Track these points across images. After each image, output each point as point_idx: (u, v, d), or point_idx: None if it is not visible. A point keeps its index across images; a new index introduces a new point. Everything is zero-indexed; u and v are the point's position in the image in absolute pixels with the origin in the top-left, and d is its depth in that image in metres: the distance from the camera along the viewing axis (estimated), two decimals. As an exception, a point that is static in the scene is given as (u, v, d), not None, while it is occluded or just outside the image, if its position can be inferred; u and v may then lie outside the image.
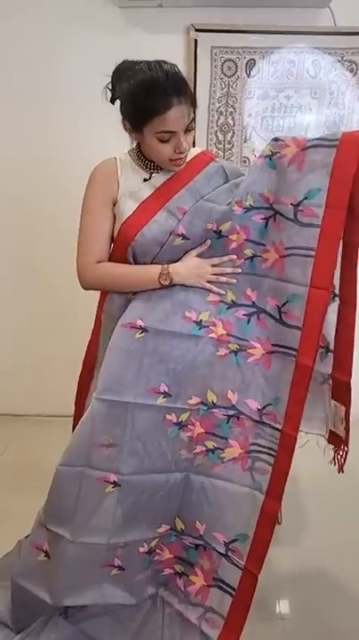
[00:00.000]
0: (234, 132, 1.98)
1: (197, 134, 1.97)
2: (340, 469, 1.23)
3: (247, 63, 1.90)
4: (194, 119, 1.12)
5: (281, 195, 1.11)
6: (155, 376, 1.18)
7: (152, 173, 1.20)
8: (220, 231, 1.17)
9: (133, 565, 1.25)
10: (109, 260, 1.22)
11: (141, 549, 1.24)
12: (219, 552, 1.21)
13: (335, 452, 1.23)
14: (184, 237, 1.17)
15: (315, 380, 1.17)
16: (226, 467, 1.18)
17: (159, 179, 1.19)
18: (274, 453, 1.14)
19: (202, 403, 1.19)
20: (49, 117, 2.00)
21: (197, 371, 1.19)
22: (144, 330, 1.17)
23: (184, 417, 1.20)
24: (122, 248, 1.19)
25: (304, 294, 1.08)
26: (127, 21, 1.91)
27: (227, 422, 1.18)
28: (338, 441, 1.22)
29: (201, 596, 1.24)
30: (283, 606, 1.44)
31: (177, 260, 1.19)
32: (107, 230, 1.20)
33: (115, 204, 1.20)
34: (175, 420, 1.19)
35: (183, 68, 1.90)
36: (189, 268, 1.18)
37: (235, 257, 1.19)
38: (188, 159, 1.20)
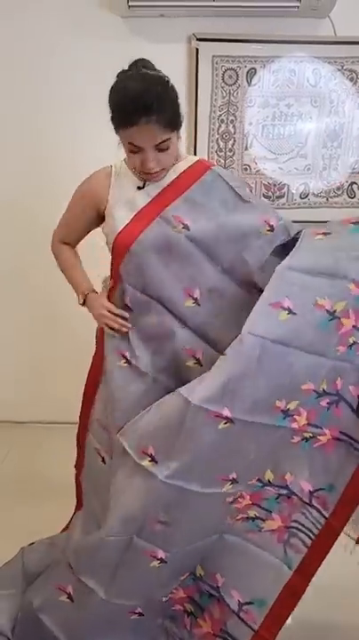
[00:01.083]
0: (235, 140, 2.00)
1: (199, 142, 2.00)
2: None
3: (248, 72, 1.92)
4: (169, 143, 1.08)
5: None
6: (230, 465, 1.10)
7: (146, 182, 1.19)
8: (335, 311, 1.03)
9: (153, 611, 1.24)
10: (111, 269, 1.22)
11: (163, 598, 1.23)
12: (231, 609, 1.17)
13: None
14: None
15: None
16: (262, 535, 1.16)
17: (153, 187, 1.18)
18: (313, 537, 1.11)
19: (258, 480, 1.14)
20: (51, 126, 2.01)
21: (267, 456, 1.13)
22: (230, 421, 1.03)
23: (238, 494, 1.15)
24: (119, 258, 1.18)
25: None
26: (129, 31, 1.93)
27: (277, 499, 1.15)
28: None
29: None
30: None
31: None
32: (80, 226, 1.29)
33: (104, 209, 1.21)
34: (230, 501, 1.15)
35: (184, 77, 1.95)
36: (95, 307, 1.22)
37: (126, 314, 1.18)
38: (185, 168, 1.19)
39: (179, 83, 2.07)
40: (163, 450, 1.08)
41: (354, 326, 1.05)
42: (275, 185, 2.05)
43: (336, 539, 1.11)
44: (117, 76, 1.11)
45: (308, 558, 1.11)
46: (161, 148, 1.09)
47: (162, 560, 1.13)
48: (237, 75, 1.92)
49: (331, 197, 2.08)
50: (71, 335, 2.18)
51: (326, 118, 1.99)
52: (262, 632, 1.14)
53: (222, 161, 2.01)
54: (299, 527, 1.13)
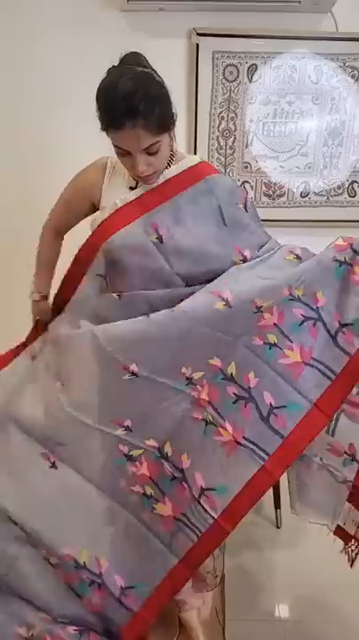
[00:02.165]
0: (235, 138, 1.98)
1: (199, 139, 1.97)
2: (352, 563, 1.17)
3: (249, 68, 1.89)
4: (159, 145, 1.06)
5: (332, 306, 1.06)
6: (125, 412, 1.16)
7: (139, 182, 1.17)
8: (261, 307, 1.08)
9: None
10: (77, 258, 1.27)
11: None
12: (112, 593, 1.14)
13: (346, 547, 1.18)
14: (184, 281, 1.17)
15: (334, 477, 1.12)
16: (153, 518, 1.13)
17: (146, 187, 1.17)
18: (199, 534, 1.08)
19: (157, 449, 1.13)
20: (48, 122, 1.98)
21: (166, 420, 1.13)
22: (135, 375, 1.13)
23: (136, 453, 1.14)
24: (91, 249, 1.20)
25: (304, 409, 1.04)
26: (128, 25, 1.90)
27: (172, 480, 1.11)
28: (345, 535, 1.16)
29: None
30: (281, 609, 1.45)
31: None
32: (72, 217, 1.32)
33: (97, 204, 1.22)
34: (126, 452, 1.15)
35: (184, 73, 1.92)
36: (35, 312, 1.39)
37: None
38: (178, 171, 1.18)
39: (179, 79, 2.08)
40: (70, 382, 1.20)
41: (275, 324, 1.07)
42: (275, 183, 2.03)
43: (223, 539, 1.08)
44: (107, 72, 1.07)
45: (195, 552, 1.09)
46: (150, 151, 1.06)
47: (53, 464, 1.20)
48: (238, 71, 1.90)
49: (331, 196, 2.06)
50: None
51: (327, 116, 1.96)
52: (142, 614, 1.11)
53: (222, 159, 1.99)
54: (187, 523, 1.09)
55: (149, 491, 1.13)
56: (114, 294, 1.21)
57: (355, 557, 1.16)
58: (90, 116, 1.88)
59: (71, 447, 1.18)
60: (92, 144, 1.85)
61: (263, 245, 1.23)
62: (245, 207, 1.23)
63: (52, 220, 1.37)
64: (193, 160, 1.22)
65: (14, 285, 2.21)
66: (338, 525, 1.17)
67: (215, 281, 1.15)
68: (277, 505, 1.74)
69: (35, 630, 1.12)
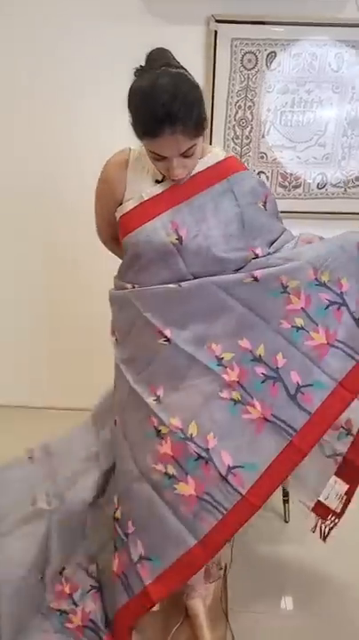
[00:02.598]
0: (252, 127, 1.94)
1: (215, 128, 1.95)
2: (324, 539, 1.22)
3: (268, 56, 1.86)
4: (195, 148, 1.07)
5: (355, 292, 1.11)
6: (158, 379, 1.20)
7: (164, 176, 1.16)
8: (287, 287, 1.14)
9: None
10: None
11: None
12: (131, 558, 1.17)
13: (321, 522, 1.22)
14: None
15: (322, 452, 1.18)
16: (175, 497, 1.13)
17: (171, 181, 1.15)
18: (224, 512, 1.09)
19: (181, 429, 1.15)
20: (69, 108, 1.98)
21: (193, 399, 1.16)
22: (168, 340, 1.18)
23: (163, 430, 1.16)
24: (121, 236, 1.23)
25: (330, 387, 1.08)
26: (147, 11, 1.87)
27: (196, 460, 1.12)
28: (324, 512, 1.22)
29: None
30: (287, 603, 1.45)
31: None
32: (107, 228, 1.32)
33: (121, 204, 1.21)
34: (155, 424, 1.17)
35: (202, 60, 1.89)
36: None
37: None
38: (203, 168, 1.17)
39: (197, 66, 2.05)
40: (121, 337, 1.31)
41: (302, 308, 1.13)
42: (291, 174, 2.00)
43: (250, 516, 1.08)
44: (137, 74, 1.05)
45: (216, 531, 1.09)
46: (186, 154, 1.06)
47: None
48: (257, 58, 1.86)
49: (349, 188, 2.02)
50: (84, 321, 2.19)
51: (347, 105, 1.92)
52: (149, 589, 1.12)
53: (238, 148, 1.96)
54: (211, 501, 1.10)
55: (171, 471, 1.14)
56: (128, 284, 1.24)
57: (328, 533, 1.22)
58: (109, 102, 1.88)
59: (123, 403, 1.27)
60: (112, 129, 1.86)
61: (275, 240, 1.25)
62: (265, 205, 1.23)
63: (102, 234, 1.38)
64: (219, 155, 1.22)
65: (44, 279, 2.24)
66: (318, 501, 1.22)
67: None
68: (286, 499, 1.73)
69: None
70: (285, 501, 1.73)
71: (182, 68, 1.07)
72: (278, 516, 1.75)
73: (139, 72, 1.05)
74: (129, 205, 1.18)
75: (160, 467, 1.15)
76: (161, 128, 0.99)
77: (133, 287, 1.23)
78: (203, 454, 1.12)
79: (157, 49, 1.08)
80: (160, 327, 1.18)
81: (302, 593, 1.48)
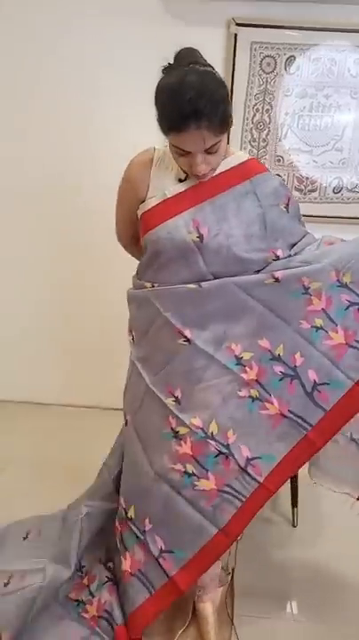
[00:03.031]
0: (269, 130, 1.95)
1: (232, 131, 1.92)
2: None
3: (287, 60, 1.86)
4: (219, 145, 1.07)
5: None
6: (175, 379, 1.21)
7: (188, 175, 1.17)
8: (309, 288, 1.15)
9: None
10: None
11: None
12: (152, 554, 1.19)
13: None
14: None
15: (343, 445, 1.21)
16: (195, 494, 1.16)
17: (194, 180, 1.16)
18: (243, 499, 1.13)
19: (202, 429, 1.17)
20: (90, 107, 1.99)
21: (212, 399, 1.17)
22: (188, 340, 1.19)
23: (182, 431, 1.18)
24: (142, 233, 1.23)
25: (347, 386, 1.10)
26: (167, 13, 1.89)
27: (216, 457, 1.15)
28: None
29: None
30: (295, 608, 1.44)
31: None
32: (129, 228, 1.32)
33: (143, 202, 1.21)
34: (173, 426, 1.19)
35: (222, 63, 1.90)
36: None
37: None
38: (226, 168, 1.18)
39: (216, 68, 2.04)
40: (138, 337, 1.31)
41: (323, 309, 1.14)
42: (307, 178, 2.00)
43: (266, 500, 1.14)
44: (164, 72, 1.06)
45: (236, 518, 1.14)
46: (210, 151, 1.07)
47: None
48: (276, 62, 1.87)
49: (365, 193, 2.02)
50: (97, 319, 2.20)
51: (365, 111, 1.92)
52: (176, 578, 1.17)
53: (255, 151, 1.96)
54: (231, 492, 1.14)
55: (191, 469, 1.17)
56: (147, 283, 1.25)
57: None
58: (129, 103, 1.90)
59: (137, 402, 1.28)
60: (133, 131, 1.88)
61: (296, 243, 1.25)
62: (287, 207, 1.24)
63: (122, 238, 1.40)
64: (242, 157, 1.22)
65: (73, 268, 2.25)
66: None
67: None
68: (294, 503, 1.72)
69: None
70: (294, 506, 1.72)
71: (210, 66, 1.08)
72: (286, 521, 1.74)
73: (167, 69, 1.07)
74: (151, 202, 1.19)
75: (179, 466, 1.17)
76: (186, 123, 1.00)
77: (152, 286, 1.23)
78: (224, 450, 1.15)
79: (186, 48, 1.09)
80: (180, 327, 1.19)
81: (309, 598, 1.46)
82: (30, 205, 2.14)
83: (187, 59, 1.06)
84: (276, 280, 1.16)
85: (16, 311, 2.30)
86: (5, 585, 1.28)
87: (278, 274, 1.16)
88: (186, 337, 1.19)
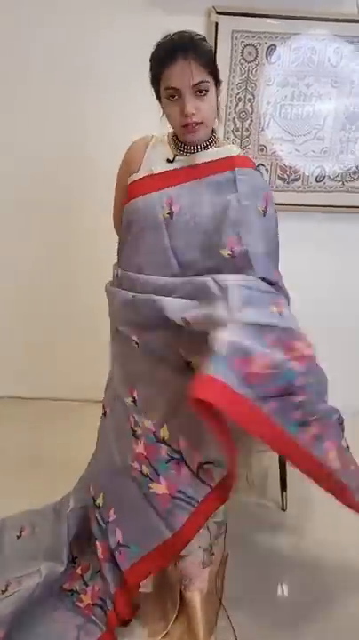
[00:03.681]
0: (251, 120, 1.96)
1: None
2: None
3: (268, 49, 1.87)
4: (208, 86, 1.10)
5: None
6: (133, 380, 1.24)
7: (176, 156, 1.20)
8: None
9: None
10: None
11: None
12: (110, 546, 1.25)
13: None
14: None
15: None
16: (151, 494, 1.19)
17: (181, 163, 1.19)
18: (196, 504, 1.15)
19: (154, 433, 1.18)
20: (72, 96, 1.97)
21: (164, 401, 1.18)
22: (137, 343, 1.23)
23: (138, 431, 1.21)
24: (124, 204, 1.26)
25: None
26: (147, 1, 1.87)
27: (167, 462, 1.17)
28: None
29: None
30: (285, 591, 1.46)
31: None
32: (122, 206, 1.30)
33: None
34: (132, 425, 1.23)
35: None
36: None
37: None
38: (223, 156, 1.19)
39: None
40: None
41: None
42: (290, 167, 2.01)
43: (222, 504, 1.17)
44: None
45: (189, 523, 1.15)
46: (199, 89, 1.09)
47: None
48: (257, 51, 1.87)
49: (346, 181, 2.04)
50: (75, 312, 2.19)
51: (346, 100, 1.94)
52: (127, 573, 1.21)
53: (238, 141, 1.97)
54: (184, 498, 1.16)
55: (146, 470, 1.19)
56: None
57: None
58: (111, 87, 1.88)
59: (112, 396, 1.33)
60: (118, 121, 1.87)
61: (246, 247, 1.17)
62: (265, 212, 1.22)
63: (116, 219, 1.38)
64: (232, 151, 1.24)
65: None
66: None
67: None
68: (283, 487, 1.75)
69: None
70: (283, 490, 1.75)
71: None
72: (276, 505, 1.77)
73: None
74: (139, 175, 1.23)
75: (136, 465, 1.20)
76: (174, 56, 1.07)
77: (113, 284, 1.31)
78: (176, 456, 1.16)
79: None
80: (128, 330, 1.23)
81: (300, 581, 1.49)
82: (21, 207, 2.12)
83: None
84: (187, 323, 1.11)
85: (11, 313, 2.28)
86: (3, 592, 1.28)
87: (190, 317, 1.09)
88: (133, 339, 1.22)
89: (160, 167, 1.22)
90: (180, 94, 1.09)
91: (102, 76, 1.94)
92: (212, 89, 1.12)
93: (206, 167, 1.19)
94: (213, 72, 1.12)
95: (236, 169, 1.19)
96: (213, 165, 1.19)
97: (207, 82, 1.10)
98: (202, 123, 1.13)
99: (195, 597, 1.30)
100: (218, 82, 1.15)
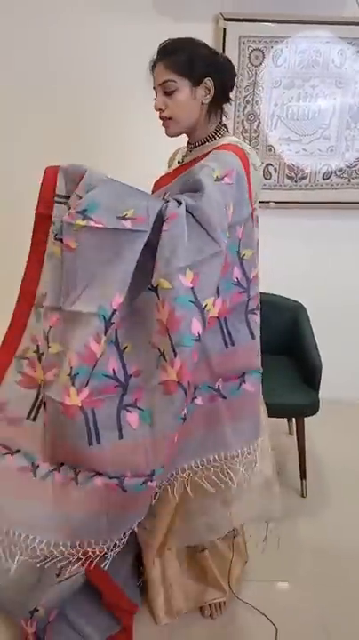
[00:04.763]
0: (260, 121, 2.02)
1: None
2: None
3: (274, 52, 1.93)
4: (174, 85, 1.11)
5: None
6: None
7: (185, 156, 1.26)
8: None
9: None
10: None
11: None
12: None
13: None
14: None
15: None
16: None
17: (186, 160, 1.25)
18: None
19: None
20: (75, 105, 2.02)
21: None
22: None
23: None
24: None
25: None
26: (155, 9, 1.93)
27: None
28: None
29: None
30: (303, 576, 1.52)
31: None
32: None
33: None
34: None
35: (211, 57, 1.95)
36: None
37: None
38: (211, 148, 1.18)
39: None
40: None
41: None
42: (298, 166, 2.08)
43: None
44: None
45: None
46: (165, 89, 1.15)
47: None
48: (264, 55, 1.94)
49: (352, 178, 2.11)
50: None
51: (350, 99, 2.01)
52: None
53: (247, 142, 2.02)
54: None
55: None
56: None
57: None
58: (114, 99, 1.93)
59: None
60: (115, 125, 1.92)
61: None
62: (219, 179, 1.05)
63: None
64: (223, 141, 1.21)
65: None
66: None
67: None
68: (303, 475, 1.81)
69: None
70: (302, 477, 1.81)
71: (213, 50, 1.20)
72: (295, 492, 1.83)
73: None
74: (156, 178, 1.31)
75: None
76: (156, 57, 1.15)
77: None
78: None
79: None
80: None
81: (318, 566, 1.54)
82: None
83: None
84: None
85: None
86: (57, 575, 1.30)
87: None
88: None
89: (171, 168, 1.30)
90: (156, 93, 1.18)
91: (110, 84, 1.99)
92: (185, 89, 1.13)
93: (193, 162, 1.20)
94: (186, 73, 1.12)
95: (212, 152, 1.15)
96: (198, 159, 1.19)
97: (173, 81, 1.13)
98: (171, 118, 1.18)
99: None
100: (197, 82, 1.14)
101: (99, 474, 0.99)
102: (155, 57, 1.16)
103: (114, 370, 1.01)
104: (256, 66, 1.95)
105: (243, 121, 2.02)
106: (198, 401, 1.08)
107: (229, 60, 1.20)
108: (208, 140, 1.23)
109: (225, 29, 1.90)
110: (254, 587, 1.45)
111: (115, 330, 1.00)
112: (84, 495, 0.99)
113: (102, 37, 1.96)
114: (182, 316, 0.97)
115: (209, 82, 1.15)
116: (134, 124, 1.91)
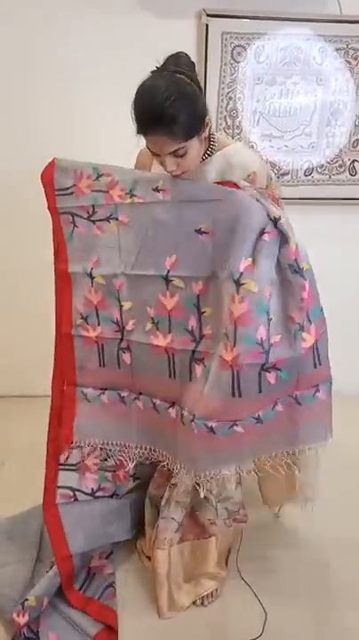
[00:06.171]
0: (242, 117, 2.04)
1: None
2: None
3: (256, 49, 1.95)
4: (185, 149, 1.09)
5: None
6: None
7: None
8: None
9: None
10: None
11: None
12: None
13: None
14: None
15: None
16: None
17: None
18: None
19: None
20: (51, 102, 2.00)
21: None
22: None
23: None
24: None
25: None
26: (138, 4, 1.92)
27: None
28: None
29: None
30: (298, 559, 1.56)
31: None
32: None
33: None
34: None
35: (194, 53, 1.95)
36: None
37: None
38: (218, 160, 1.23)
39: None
40: None
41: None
42: (280, 162, 2.10)
43: None
44: (149, 75, 1.10)
45: None
46: (177, 154, 1.11)
47: None
48: (246, 51, 1.95)
49: (333, 175, 2.15)
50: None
51: (331, 97, 2.04)
52: None
53: (230, 138, 2.04)
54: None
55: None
56: None
57: None
58: (94, 97, 1.91)
59: None
60: (94, 124, 1.91)
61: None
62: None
63: None
64: (224, 143, 1.26)
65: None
66: None
67: None
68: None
69: None
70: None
71: (191, 73, 1.10)
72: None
73: (151, 72, 1.10)
74: None
75: None
76: (146, 130, 1.07)
77: None
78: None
79: (175, 53, 1.11)
80: None
81: (317, 553, 1.59)
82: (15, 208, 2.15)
83: (169, 64, 1.08)
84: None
85: (8, 312, 2.32)
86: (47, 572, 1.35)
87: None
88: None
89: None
90: (160, 155, 1.12)
91: (91, 79, 1.97)
92: (194, 144, 1.11)
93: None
94: (193, 135, 1.09)
95: (227, 154, 1.24)
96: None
97: (183, 147, 1.09)
98: (185, 171, 1.16)
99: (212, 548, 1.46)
100: (202, 128, 1.12)
101: (173, 405, 1.27)
102: (146, 122, 1.05)
103: (192, 327, 1.22)
104: (238, 62, 1.96)
105: (225, 117, 2.03)
106: (279, 407, 1.23)
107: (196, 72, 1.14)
108: (208, 155, 1.24)
109: (207, 25, 1.90)
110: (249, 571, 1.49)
111: (197, 295, 1.20)
112: (159, 418, 1.29)
113: (83, 32, 1.93)
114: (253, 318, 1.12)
115: (207, 119, 1.13)
116: (116, 117, 1.90)
